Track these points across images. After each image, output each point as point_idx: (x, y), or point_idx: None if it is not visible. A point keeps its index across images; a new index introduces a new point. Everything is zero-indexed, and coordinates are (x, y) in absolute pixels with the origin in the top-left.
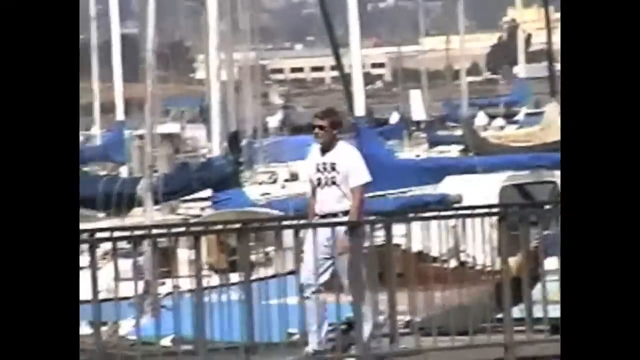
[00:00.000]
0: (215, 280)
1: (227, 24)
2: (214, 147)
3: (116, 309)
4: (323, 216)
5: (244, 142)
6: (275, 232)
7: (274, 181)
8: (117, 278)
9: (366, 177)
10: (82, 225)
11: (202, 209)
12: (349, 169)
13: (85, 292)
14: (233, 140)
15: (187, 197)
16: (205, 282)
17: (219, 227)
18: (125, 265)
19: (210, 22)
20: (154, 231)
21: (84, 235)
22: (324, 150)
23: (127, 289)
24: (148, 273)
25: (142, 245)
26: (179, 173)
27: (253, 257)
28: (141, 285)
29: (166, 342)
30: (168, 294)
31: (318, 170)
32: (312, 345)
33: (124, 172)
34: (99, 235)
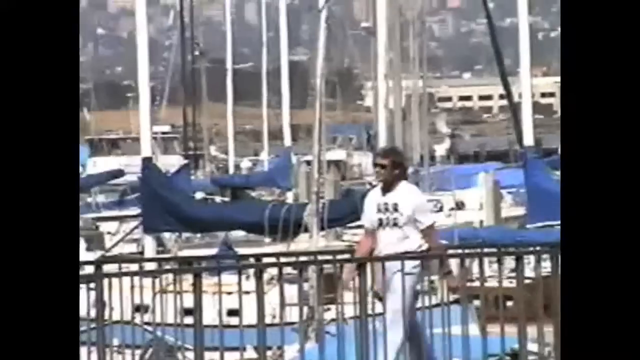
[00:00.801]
0: (379, 307)
1: (395, 52)
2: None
3: (281, 334)
4: (384, 258)
5: (410, 170)
6: (440, 260)
7: (440, 209)
8: (283, 303)
9: (433, 217)
10: (249, 250)
11: None
12: (415, 210)
13: (251, 316)
14: None
15: (352, 224)
16: (369, 309)
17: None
18: (291, 290)
19: (379, 50)
20: (320, 257)
21: (251, 260)
22: (385, 190)
23: (292, 315)
24: (313, 299)
25: (308, 271)
26: (345, 200)
27: (418, 286)
28: (306, 311)
29: None
30: (332, 320)
31: (379, 210)
32: None
33: (290, 198)
34: (265, 260)
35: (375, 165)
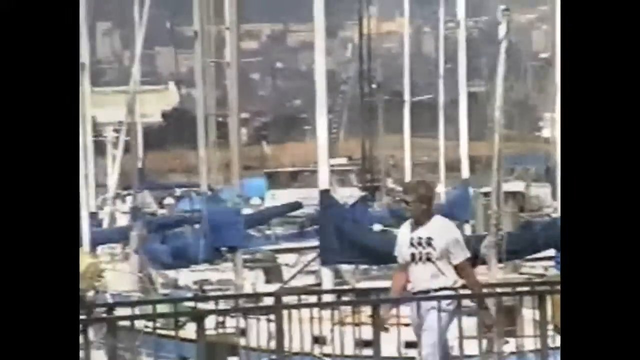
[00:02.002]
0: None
1: None
2: (560, 207)
3: None
4: (416, 294)
5: None
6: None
7: None
8: (461, 336)
9: (467, 253)
10: None
11: (546, 268)
12: (448, 245)
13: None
14: None
15: (530, 257)
16: (550, 342)
17: None
18: (469, 323)
19: (558, 80)
20: (498, 290)
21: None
22: (418, 223)
23: (471, 347)
24: (492, 331)
25: (487, 303)
26: (523, 232)
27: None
28: (485, 343)
29: None
30: (512, 353)
31: (412, 244)
32: None
33: (467, 230)
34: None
35: (401, 200)
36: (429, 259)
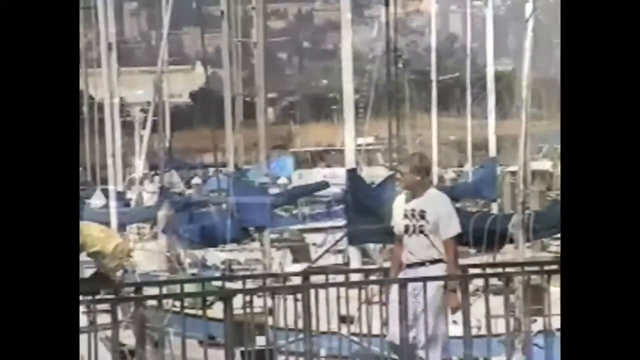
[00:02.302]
0: None
1: None
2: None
3: (487, 345)
4: (410, 265)
5: None
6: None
7: None
8: (489, 315)
9: (457, 229)
10: None
11: None
12: (440, 218)
13: (457, 328)
14: None
15: (558, 235)
16: None
17: None
18: (497, 301)
19: None
20: (526, 268)
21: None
22: (411, 196)
23: (498, 326)
24: (519, 310)
25: (514, 282)
26: (551, 210)
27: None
28: (512, 322)
29: None
30: (539, 332)
31: (406, 216)
32: None
33: (494, 209)
34: (471, 271)
35: (396, 171)
36: (422, 232)
